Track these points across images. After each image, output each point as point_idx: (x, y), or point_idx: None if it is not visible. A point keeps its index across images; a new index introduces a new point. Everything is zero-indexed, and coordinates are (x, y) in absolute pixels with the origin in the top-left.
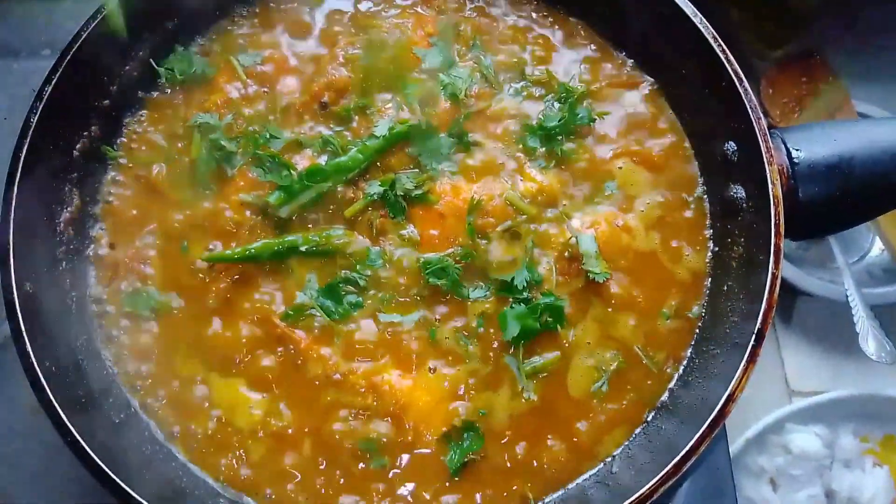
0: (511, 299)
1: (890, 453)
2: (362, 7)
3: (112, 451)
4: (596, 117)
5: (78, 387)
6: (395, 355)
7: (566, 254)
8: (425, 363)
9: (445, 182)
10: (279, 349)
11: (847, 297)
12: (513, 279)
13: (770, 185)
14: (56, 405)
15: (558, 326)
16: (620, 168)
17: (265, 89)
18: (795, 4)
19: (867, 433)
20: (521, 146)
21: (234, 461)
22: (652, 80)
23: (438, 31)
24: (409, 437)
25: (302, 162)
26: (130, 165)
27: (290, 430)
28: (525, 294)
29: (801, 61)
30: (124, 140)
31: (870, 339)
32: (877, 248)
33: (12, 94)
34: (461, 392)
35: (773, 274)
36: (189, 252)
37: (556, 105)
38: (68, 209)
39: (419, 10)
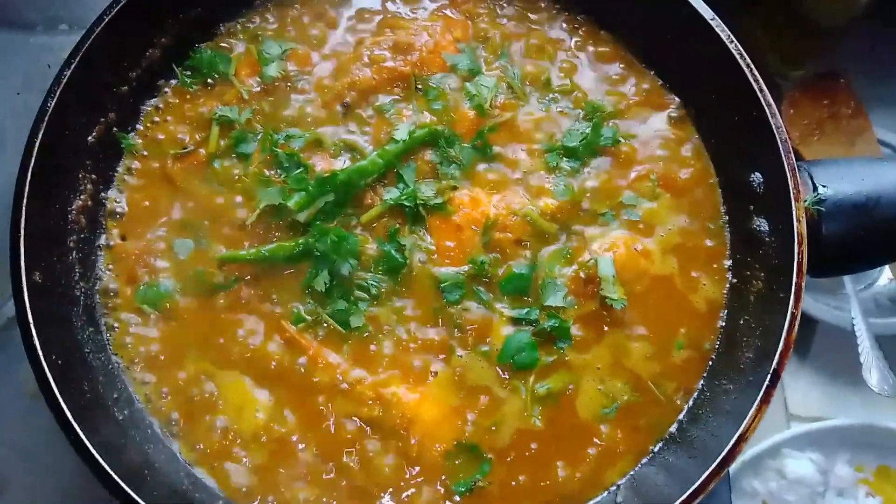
0: (523, 321)
1: (884, 484)
2: (390, 7)
3: (114, 449)
4: (621, 139)
5: (83, 381)
6: (404, 367)
7: (582, 274)
8: (434, 376)
9: (464, 193)
10: (287, 353)
11: (853, 325)
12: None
13: (795, 222)
14: (60, 401)
15: (564, 349)
16: (643, 191)
17: (287, 85)
18: (821, 23)
19: (863, 463)
20: (543, 161)
21: (236, 465)
22: (680, 102)
23: (467, 37)
24: (415, 452)
25: (320, 163)
26: (146, 154)
27: (293, 437)
28: (534, 315)
29: (823, 83)
30: (141, 128)
31: (873, 371)
32: (885, 278)
33: (27, 69)
34: (468, 409)
35: (793, 314)
36: (202, 248)
37: (582, 122)
38: (81, 197)
39: (449, 13)
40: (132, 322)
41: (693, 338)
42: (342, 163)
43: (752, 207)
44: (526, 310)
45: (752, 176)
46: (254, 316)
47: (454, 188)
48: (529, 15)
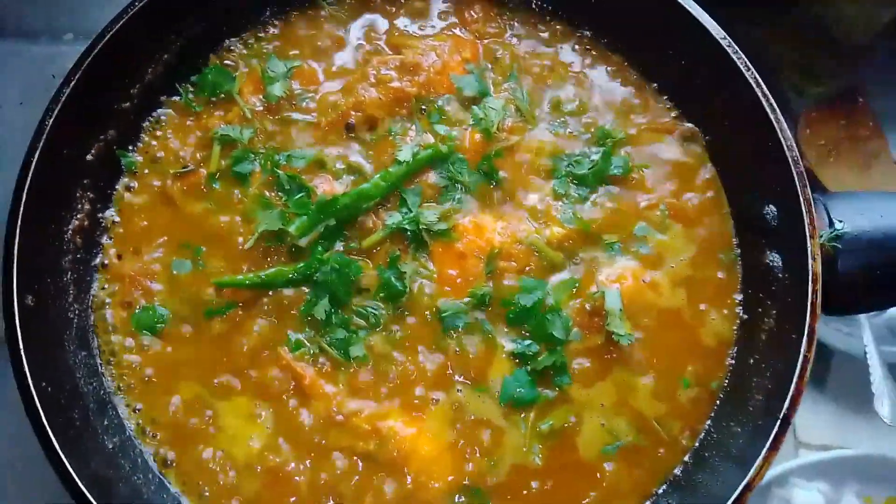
0: (523, 355)
1: None
2: (399, 24)
3: (102, 480)
4: (632, 167)
5: (73, 407)
6: (401, 399)
7: (588, 307)
8: (432, 410)
9: (468, 219)
10: (284, 381)
11: (865, 353)
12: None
13: (810, 260)
14: (48, 431)
15: (564, 385)
16: (653, 220)
17: (292, 104)
18: (843, 39)
19: (871, 494)
20: (550, 188)
21: (228, 496)
22: (693, 128)
23: (476, 57)
24: (410, 487)
25: (322, 185)
26: (146, 172)
27: (287, 468)
28: (534, 349)
29: (842, 103)
30: (141, 146)
31: (885, 401)
32: None
33: (30, 79)
34: (466, 445)
35: (805, 357)
36: (200, 270)
37: (592, 148)
38: (77, 216)
39: (458, 32)
40: (126, 346)
41: (701, 376)
42: (345, 185)
43: (765, 241)
44: (527, 342)
45: (767, 208)
46: (250, 342)
47: (458, 213)
48: (540, 35)
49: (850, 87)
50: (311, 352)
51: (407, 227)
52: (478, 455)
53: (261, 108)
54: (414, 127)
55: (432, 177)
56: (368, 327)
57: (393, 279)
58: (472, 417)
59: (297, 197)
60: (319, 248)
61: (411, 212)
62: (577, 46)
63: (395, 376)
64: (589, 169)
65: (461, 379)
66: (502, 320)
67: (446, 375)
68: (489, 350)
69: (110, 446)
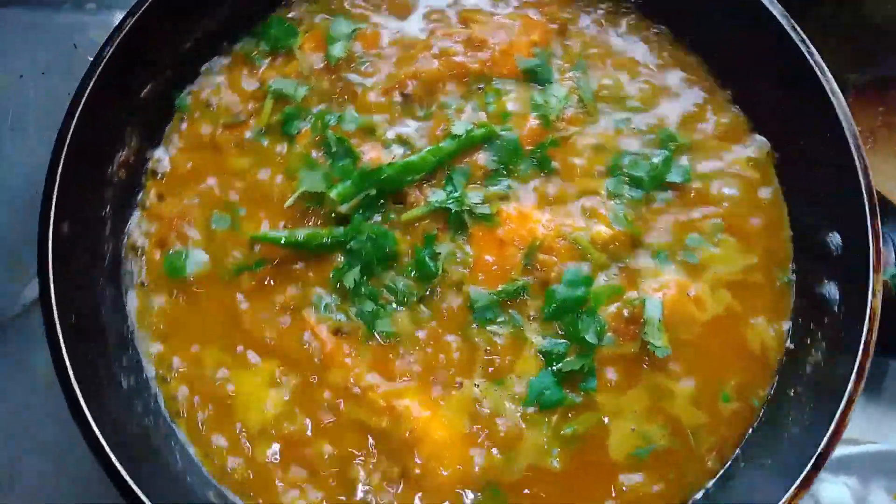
0: (552, 354)
1: None
2: (466, 1)
3: (112, 416)
4: (693, 176)
5: (94, 339)
6: (420, 381)
7: (626, 313)
8: (451, 397)
9: (513, 206)
10: (305, 345)
11: None
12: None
13: (870, 296)
14: (65, 357)
15: (591, 391)
16: (706, 231)
17: (350, 66)
18: (884, 26)
19: None
20: (604, 185)
21: (236, 455)
22: (764, 142)
23: (546, 41)
24: (418, 472)
25: (370, 152)
26: (197, 117)
27: (299, 437)
28: (563, 348)
29: (880, 90)
30: (196, 90)
31: None
32: None
33: (53, 49)
34: (482, 438)
35: (851, 398)
36: (237, 222)
37: (653, 150)
38: (125, 151)
39: (531, 13)
40: (154, 289)
41: (737, 399)
42: (392, 155)
43: (824, 269)
44: (558, 341)
45: (830, 235)
46: (277, 301)
47: (504, 199)
48: (614, 26)
49: (891, 74)
50: (336, 319)
51: (450, 206)
52: (493, 450)
53: (319, 67)
54: (470, 105)
55: (482, 158)
56: (397, 303)
57: (427, 258)
58: (490, 411)
59: (342, 162)
60: (358, 216)
61: (456, 191)
62: (651, 42)
63: (416, 357)
64: (647, 172)
65: (485, 369)
66: (534, 314)
67: (470, 364)
68: (517, 344)
69: (125, 385)
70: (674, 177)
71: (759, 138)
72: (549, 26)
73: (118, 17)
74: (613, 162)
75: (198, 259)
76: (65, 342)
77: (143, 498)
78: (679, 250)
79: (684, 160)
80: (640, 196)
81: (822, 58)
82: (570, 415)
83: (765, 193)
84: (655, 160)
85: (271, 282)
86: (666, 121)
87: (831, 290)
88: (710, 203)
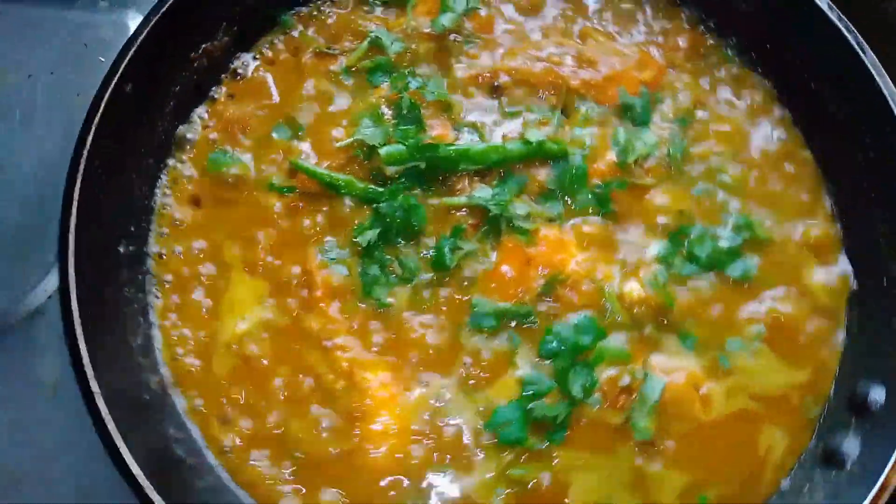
0: (531, 389)
1: None
2: (601, 15)
3: (92, 279)
4: (755, 278)
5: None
6: (395, 363)
7: (624, 381)
8: (415, 390)
9: (554, 232)
10: (298, 283)
11: None
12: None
13: (888, 467)
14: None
15: (555, 443)
16: (746, 336)
17: (455, 40)
18: None
19: None
20: (657, 245)
21: (195, 356)
22: (849, 270)
23: (657, 84)
24: (354, 443)
25: (437, 128)
26: (294, 35)
27: (257, 363)
28: (545, 388)
29: None
30: (304, 12)
31: None
32: None
33: (63, 47)
34: (426, 443)
35: None
36: (291, 146)
37: (727, 232)
38: (213, 42)
39: (653, 51)
40: (185, 177)
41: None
42: (457, 137)
43: (855, 421)
44: (544, 378)
45: (874, 391)
46: (292, 231)
47: (549, 221)
48: (738, 92)
49: None
50: (338, 271)
51: (491, 207)
52: (434, 460)
53: (425, 30)
54: (556, 118)
55: (543, 174)
56: (401, 279)
57: (447, 248)
58: (448, 421)
59: (407, 126)
60: (399, 183)
61: (504, 195)
62: (774, 120)
63: (398, 338)
64: (708, 253)
65: (460, 378)
66: (532, 342)
67: (448, 366)
68: (501, 365)
69: (125, 258)
70: (733, 271)
71: (845, 265)
72: (665, 69)
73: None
74: (678, 227)
75: (241, 161)
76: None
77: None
78: (714, 348)
79: (754, 259)
80: (691, 273)
81: None
82: (522, 458)
83: (827, 322)
84: (723, 243)
85: (295, 211)
86: (752, 208)
87: (853, 446)
88: (759, 304)
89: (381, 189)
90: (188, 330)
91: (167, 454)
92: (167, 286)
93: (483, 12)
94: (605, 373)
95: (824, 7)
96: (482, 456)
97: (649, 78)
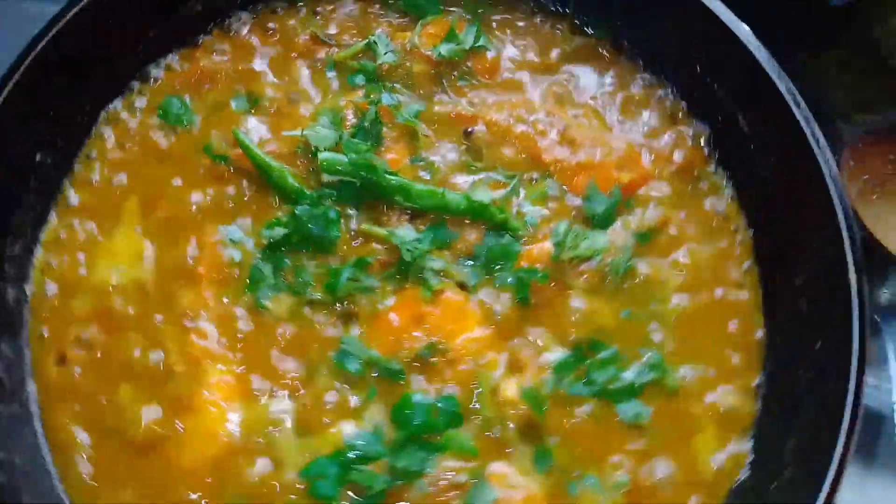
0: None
1: None
2: (600, 97)
3: None
4: (646, 426)
5: None
6: (248, 363)
7: (458, 475)
8: (258, 398)
9: (459, 300)
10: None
11: (894, 410)
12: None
13: None
14: None
15: None
16: (609, 479)
17: (453, 74)
18: None
19: None
20: (556, 354)
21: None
22: (750, 449)
23: (631, 190)
24: (173, 431)
25: (392, 153)
26: (299, 16)
27: (119, 318)
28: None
29: (891, 136)
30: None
31: None
32: None
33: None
34: (241, 459)
35: None
36: (243, 116)
37: (636, 367)
38: None
39: (642, 153)
40: (136, 110)
41: None
42: (407, 168)
43: None
44: (375, 442)
45: None
46: (208, 199)
47: (460, 286)
48: (713, 233)
49: None
50: (232, 256)
51: (406, 251)
52: (240, 482)
53: (426, 52)
54: (511, 187)
55: (474, 236)
56: (290, 287)
57: (342, 278)
58: (272, 449)
59: (361, 140)
60: (328, 191)
61: (425, 245)
62: (740, 274)
63: (263, 342)
64: (607, 380)
65: (304, 406)
66: (388, 402)
67: (295, 393)
68: (346, 412)
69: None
70: (624, 411)
71: (745, 447)
72: (649, 178)
73: None
74: (588, 341)
75: (192, 118)
76: None
77: None
78: (569, 476)
79: (650, 408)
80: (578, 393)
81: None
82: None
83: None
84: (627, 376)
85: (220, 182)
86: (676, 351)
87: None
88: (633, 459)
89: (308, 192)
90: (67, 257)
91: None
92: (70, 206)
93: (490, 54)
94: (446, 461)
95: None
96: (288, 498)
97: (627, 180)
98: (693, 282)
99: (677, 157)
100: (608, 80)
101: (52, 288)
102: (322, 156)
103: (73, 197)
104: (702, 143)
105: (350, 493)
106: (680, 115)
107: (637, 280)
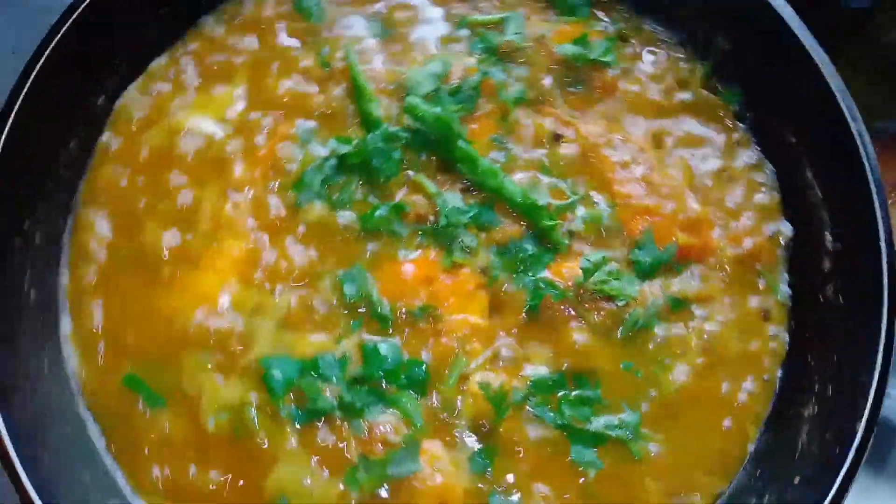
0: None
1: None
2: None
3: None
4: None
5: None
6: (252, 245)
7: (389, 428)
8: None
9: (472, 282)
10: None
11: None
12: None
13: None
14: None
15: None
16: None
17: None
18: None
19: None
20: (539, 370)
21: None
22: None
23: (687, 252)
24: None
25: (473, 124)
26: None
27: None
28: None
29: None
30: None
31: None
32: None
33: (23, 28)
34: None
35: None
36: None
37: (609, 419)
38: None
39: (716, 225)
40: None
41: None
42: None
43: None
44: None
45: None
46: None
47: (482, 271)
48: (750, 332)
49: None
50: (292, 153)
51: (443, 216)
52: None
53: (552, 50)
54: (573, 200)
55: (513, 231)
56: (332, 201)
57: (377, 213)
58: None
59: (451, 100)
60: (402, 134)
61: (464, 218)
62: (759, 374)
63: (279, 231)
64: (574, 417)
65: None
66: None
67: (288, 285)
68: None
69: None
70: (577, 454)
71: None
72: (711, 252)
73: None
74: (575, 375)
75: (322, 16)
76: None
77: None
78: (497, 484)
79: (603, 463)
80: (541, 417)
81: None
82: None
83: None
84: (594, 425)
85: (320, 82)
86: (658, 422)
87: None
88: None
89: (385, 125)
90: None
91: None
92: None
93: (612, 73)
94: (389, 417)
95: None
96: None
97: (687, 244)
98: (706, 366)
99: (747, 243)
100: (716, 143)
101: (139, 114)
102: (409, 99)
103: (191, 45)
104: (780, 243)
105: (292, 397)
106: (771, 205)
107: (651, 340)
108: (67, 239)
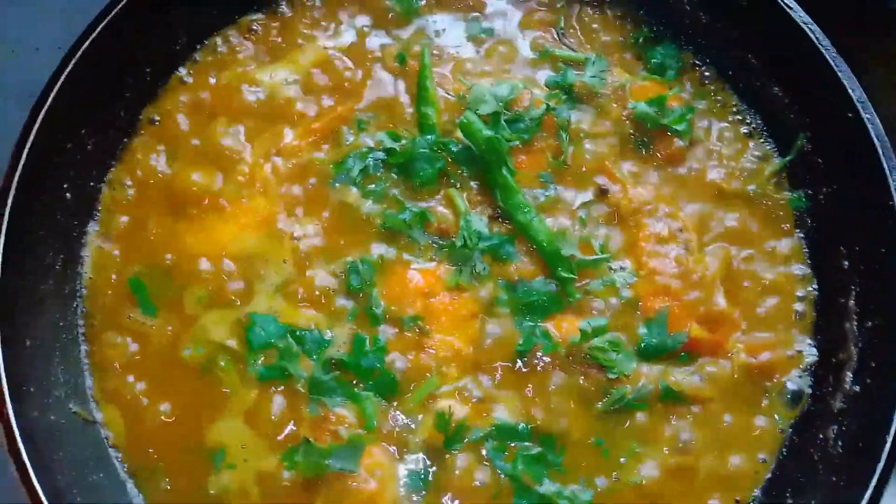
0: None
1: None
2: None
3: None
4: None
5: None
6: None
7: (341, 426)
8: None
9: (472, 306)
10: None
11: None
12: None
13: None
14: None
15: None
16: None
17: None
18: None
19: None
20: (506, 418)
21: None
22: None
23: (698, 345)
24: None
25: (523, 155)
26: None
27: None
28: None
29: None
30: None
31: None
32: None
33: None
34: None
35: None
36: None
37: (561, 488)
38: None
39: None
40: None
41: None
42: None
43: None
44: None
45: None
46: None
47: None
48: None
49: None
50: (347, 135)
51: (461, 236)
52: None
53: (626, 103)
54: (597, 258)
55: (529, 270)
56: (365, 189)
57: (403, 215)
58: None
59: (508, 128)
60: (448, 145)
61: (479, 243)
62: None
63: (310, 202)
64: (527, 473)
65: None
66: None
67: (298, 258)
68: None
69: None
70: None
71: None
72: (720, 352)
73: None
74: (542, 436)
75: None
76: None
77: None
78: None
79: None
80: (496, 462)
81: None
82: None
83: None
84: (549, 489)
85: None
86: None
87: None
88: None
89: (437, 133)
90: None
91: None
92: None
93: (680, 143)
94: (346, 410)
95: None
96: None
97: (700, 336)
98: (677, 469)
99: (764, 356)
100: (765, 246)
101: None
102: (467, 114)
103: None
104: (800, 366)
105: (263, 361)
106: (803, 325)
107: (627, 423)
108: (118, 157)
